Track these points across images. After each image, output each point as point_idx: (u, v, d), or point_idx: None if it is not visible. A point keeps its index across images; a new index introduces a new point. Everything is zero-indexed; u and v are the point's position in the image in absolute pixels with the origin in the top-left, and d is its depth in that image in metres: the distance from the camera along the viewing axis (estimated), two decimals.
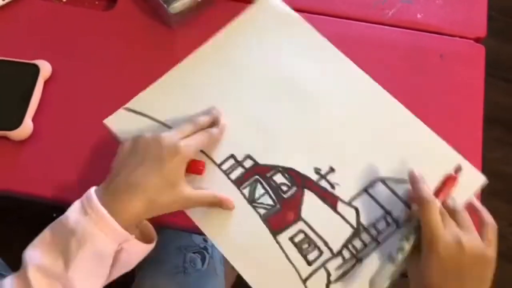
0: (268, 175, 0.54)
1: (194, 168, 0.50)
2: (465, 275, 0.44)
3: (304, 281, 0.50)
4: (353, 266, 0.50)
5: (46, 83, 0.58)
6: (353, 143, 0.55)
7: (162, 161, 0.46)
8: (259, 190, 0.53)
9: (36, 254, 0.44)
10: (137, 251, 0.48)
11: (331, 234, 0.51)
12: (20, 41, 0.61)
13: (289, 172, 0.54)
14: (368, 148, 0.55)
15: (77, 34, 0.62)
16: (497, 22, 1.45)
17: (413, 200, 0.50)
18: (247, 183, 0.53)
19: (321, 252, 0.51)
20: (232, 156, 0.54)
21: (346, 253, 0.51)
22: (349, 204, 0.53)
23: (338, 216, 0.52)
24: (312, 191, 0.53)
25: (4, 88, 0.57)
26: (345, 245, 0.51)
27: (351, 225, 0.52)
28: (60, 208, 0.57)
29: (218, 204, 0.50)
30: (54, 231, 0.45)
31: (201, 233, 0.54)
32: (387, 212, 0.52)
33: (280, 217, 0.52)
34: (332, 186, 0.53)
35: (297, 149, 0.55)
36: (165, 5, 0.59)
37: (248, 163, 0.54)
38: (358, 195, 0.53)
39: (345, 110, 0.57)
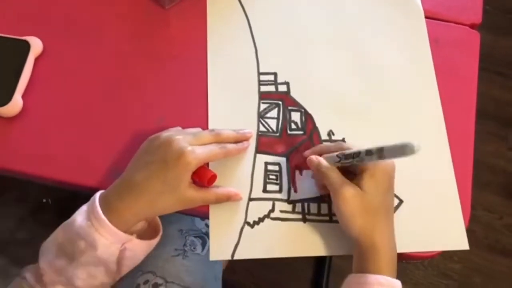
0: (290, 108, 0.57)
1: (202, 178, 0.49)
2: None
3: (250, 199, 0.53)
4: (295, 220, 0.52)
5: (37, 60, 0.57)
6: (378, 132, 0.56)
7: (165, 165, 0.46)
8: (273, 113, 0.56)
9: (48, 249, 0.47)
10: (141, 248, 0.49)
11: (300, 185, 0.54)
12: (11, 17, 0.60)
13: (307, 117, 0.57)
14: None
15: (70, 12, 0.61)
16: (492, 16, 1.46)
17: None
18: (269, 101, 0.57)
19: (280, 190, 0.53)
20: (275, 74, 0.59)
21: (298, 207, 0.53)
22: None
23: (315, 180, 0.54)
24: (312, 144, 0.55)
25: None
26: (302, 201, 0.53)
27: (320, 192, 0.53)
28: (49, 190, 0.56)
29: (225, 200, 0.51)
30: (64, 231, 0.47)
31: (203, 217, 0.54)
32: None
33: (272, 143, 0.55)
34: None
35: (328, 106, 0.57)
36: None
37: (282, 88, 0.58)
38: None
39: (395, 98, 0.58)
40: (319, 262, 1.18)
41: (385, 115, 0.58)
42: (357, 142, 0.50)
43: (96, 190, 0.52)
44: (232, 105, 0.57)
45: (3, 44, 0.57)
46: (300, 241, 0.51)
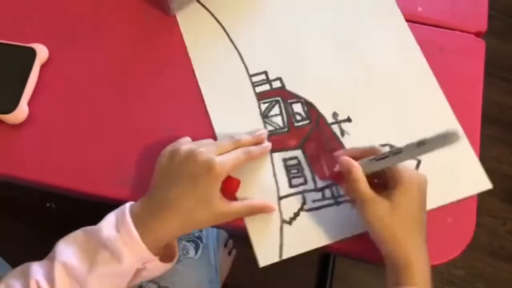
0: (290, 101, 0.57)
1: (228, 187, 0.49)
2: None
3: (280, 198, 0.53)
4: (328, 205, 0.52)
5: (43, 67, 0.58)
6: (379, 102, 0.58)
7: (195, 179, 0.46)
8: (275, 110, 0.57)
9: (66, 251, 0.45)
10: (158, 270, 0.49)
11: (322, 171, 0.54)
12: (17, 24, 0.60)
13: (309, 106, 0.57)
14: (392, 112, 0.57)
15: (75, 19, 0.61)
16: (497, 21, 1.45)
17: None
18: (268, 100, 0.57)
19: (305, 182, 0.54)
20: (265, 72, 0.59)
21: (327, 192, 0.53)
22: None
23: None
24: (321, 129, 0.56)
25: (0, 71, 0.56)
26: (329, 185, 0.53)
27: None
28: (54, 195, 0.56)
29: (259, 212, 0.51)
30: (87, 237, 0.46)
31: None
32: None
33: (283, 139, 0.56)
34: (342, 134, 0.56)
35: (325, 89, 0.58)
36: None
37: (276, 84, 0.58)
38: None
39: (383, 70, 0.60)
40: (322, 268, 1.18)
41: (382, 87, 0.59)
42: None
43: (101, 198, 0.52)
44: (233, 114, 0.57)
45: (9, 52, 0.57)
46: (339, 224, 0.51)
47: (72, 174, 0.53)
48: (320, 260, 1.18)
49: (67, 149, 0.55)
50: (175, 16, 0.62)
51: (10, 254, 0.85)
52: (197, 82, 0.58)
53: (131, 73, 0.59)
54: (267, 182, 0.53)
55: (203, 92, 0.58)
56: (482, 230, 1.21)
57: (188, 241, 0.69)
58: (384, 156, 0.46)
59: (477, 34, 0.63)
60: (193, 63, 0.59)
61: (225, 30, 0.61)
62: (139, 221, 0.45)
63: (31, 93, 0.56)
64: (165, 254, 0.50)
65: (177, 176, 0.47)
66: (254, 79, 0.59)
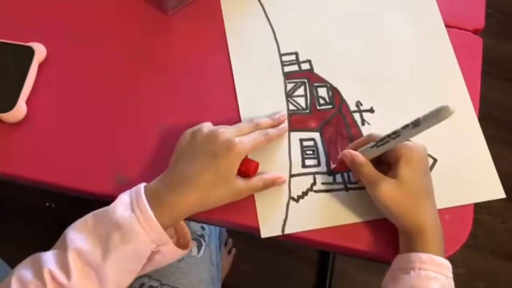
0: (315, 84, 0.58)
1: (247, 168, 0.50)
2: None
3: (291, 176, 0.54)
4: (337, 190, 0.53)
5: (41, 66, 0.58)
6: (404, 97, 0.58)
7: (216, 157, 0.47)
8: (300, 91, 0.58)
9: (77, 237, 0.44)
10: (171, 255, 0.49)
11: (337, 157, 0.54)
12: (15, 23, 0.60)
13: (333, 91, 0.58)
14: (416, 110, 0.54)
15: (73, 18, 0.61)
16: (494, 19, 1.46)
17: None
18: (294, 80, 0.59)
19: (318, 164, 0.55)
20: (296, 53, 0.60)
21: (338, 177, 0.54)
22: None
23: None
24: (343, 116, 0.57)
25: None
26: (341, 171, 0.54)
27: None
28: (54, 194, 0.56)
29: (271, 185, 0.52)
30: (98, 219, 0.46)
31: (198, 221, 0.54)
32: None
33: (303, 120, 0.57)
34: (363, 123, 0.57)
35: (352, 77, 0.59)
36: None
37: (305, 66, 0.60)
38: None
39: (412, 67, 0.60)
40: (321, 267, 1.18)
41: (409, 81, 0.59)
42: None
43: (100, 196, 0.52)
44: (259, 90, 0.58)
45: (8, 50, 0.57)
46: (345, 209, 0.52)
47: (70, 172, 0.53)
48: (320, 259, 1.18)
49: (65, 148, 0.55)
50: (173, 15, 0.62)
51: (9, 254, 0.85)
52: (201, 79, 0.59)
53: (130, 72, 0.59)
54: (281, 158, 0.54)
55: (233, 65, 0.59)
56: (481, 228, 1.21)
57: (191, 239, 0.69)
58: (384, 142, 0.48)
59: (475, 32, 0.64)
60: (227, 33, 0.61)
61: (262, 6, 0.63)
62: (156, 196, 0.46)
63: (29, 92, 0.56)
64: (178, 243, 0.50)
65: (198, 152, 0.48)
66: (284, 58, 0.60)
